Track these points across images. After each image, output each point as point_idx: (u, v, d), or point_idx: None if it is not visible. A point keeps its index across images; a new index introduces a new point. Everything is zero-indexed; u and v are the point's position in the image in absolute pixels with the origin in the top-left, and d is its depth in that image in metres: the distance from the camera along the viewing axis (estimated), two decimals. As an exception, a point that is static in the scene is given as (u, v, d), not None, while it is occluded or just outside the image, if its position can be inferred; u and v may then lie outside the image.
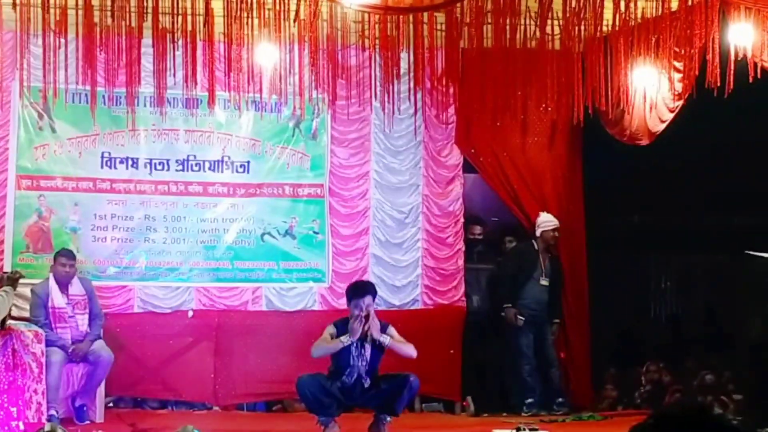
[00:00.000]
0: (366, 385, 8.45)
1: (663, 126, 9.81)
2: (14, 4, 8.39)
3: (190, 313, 10.63)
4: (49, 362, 8.87)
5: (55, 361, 9.04)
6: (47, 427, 8.19)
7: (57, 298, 9.42)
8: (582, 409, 10.73)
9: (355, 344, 8.36)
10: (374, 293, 8.64)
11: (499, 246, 11.34)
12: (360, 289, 8.63)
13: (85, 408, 9.41)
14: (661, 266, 12.20)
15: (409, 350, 8.44)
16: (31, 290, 9.54)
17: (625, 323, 11.47)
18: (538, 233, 10.88)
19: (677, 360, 10.99)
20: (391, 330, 8.53)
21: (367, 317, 8.33)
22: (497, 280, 11.05)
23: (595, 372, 11.11)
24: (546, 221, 10.87)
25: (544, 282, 10.82)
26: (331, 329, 8.48)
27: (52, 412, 8.86)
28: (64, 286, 9.48)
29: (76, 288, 9.55)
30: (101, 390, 9.69)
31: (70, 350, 9.33)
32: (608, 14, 8.98)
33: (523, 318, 10.68)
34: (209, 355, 10.68)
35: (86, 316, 9.53)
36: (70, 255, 9.62)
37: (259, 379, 10.63)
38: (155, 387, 10.60)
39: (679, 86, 9.32)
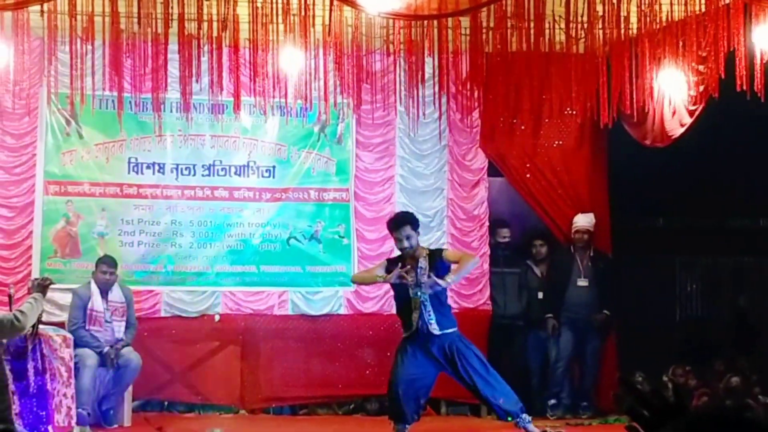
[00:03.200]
0: (435, 332, 8.43)
1: (683, 128, 9.79)
2: (42, 11, 8.47)
3: (217, 317, 10.68)
4: (82, 365, 8.98)
5: (89, 365, 9.18)
6: (76, 430, 8.27)
7: (97, 302, 9.61)
8: (608, 412, 10.72)
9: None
10: (413, 222, 8.64)
11: (528, 249, 11.34)
12: (395, 221, 8.72)
13: (111, 411, 9.50)
14: (687, 269, 12.16)
15: (471, 266, 8.71)
16: (73, 292, 9.72)
17: (651, 326, 11.43)
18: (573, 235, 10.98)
19: (703, 363, 10.95)
20: (447, 253, 8.67)
21: (405, 274, 8.36)
22: (539, 288, 11.07)
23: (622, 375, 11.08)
24: (575, 222, 10.93)
25: (583, 283, 10.84)
26: (380, 269, 8.63)
27: (82, 411, 8.95)
28: (104, 292, 9.66)
29: (116, 295, 9.73)
30: (128, 393, 9.77)
31: (105, 349, 9.45)
32: (632, 17, 8.98)
33: (561, 330, 10.80)
34: (236, 359, 10.74)
35: (123, 324, 9.69)
36: (111, 263, 9.79)
37: (286, 382, 10.67)
38: (182, 390, 10.67)
39: (703, 89, 9.31)
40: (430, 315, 8.46)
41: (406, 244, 8.49)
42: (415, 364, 8.47)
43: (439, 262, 8.54)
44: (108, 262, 9.77)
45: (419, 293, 8.44)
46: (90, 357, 9.23)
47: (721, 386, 10.40)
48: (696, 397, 10.30)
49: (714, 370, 10.83)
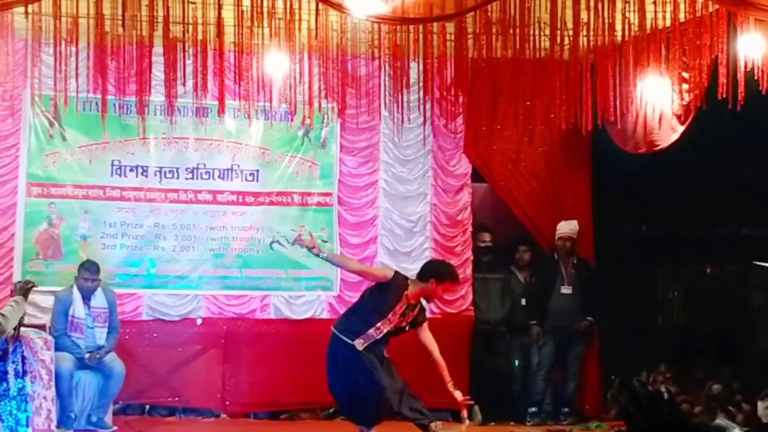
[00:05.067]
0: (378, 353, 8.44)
1: (674, 136, 9.81)
2: (26, 13, 8.43)
3: (199, 321, 10.67)
4: (57, 369, 8.92)
5: (65, 368, 9.12)
6: (57, 434, 8.24)
7: (78, 309, 9.55)
8: (590, 418, 10.75)
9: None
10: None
11: (512, 255, 11.35)
12: (458, 277, 8.92)
13: (100, 422, 9.54)
14: (670, 276, 12.19)
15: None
16: (55, 297, 9.68)
17: (633, 333, 11.46)
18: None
19: (685, 370, 10.98)
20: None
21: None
22: (522, 294, 11.08)
23: (603, 382, 11.10)
24: (558, 229, 10.95)
25: (566, 290, 10.86)
26: (388, 272, 8.66)
27: (70, 414, 9.09)
28: (86, 297, 9.61)
29: (98, 300, 9.67)
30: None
31: (86, 355, 9.41)
32: (617, 24, 9.00)
33: (544, 338, 10.81)
34: (218, 363, 10.72)
35: (105, 329, 9.64)
36: (93, 269, 9.71)
37: (268, 386, 10.66)
38: (163, 394, 10.63)
39: (687, 97, 9.33)
40: (383, 345, 8.52)
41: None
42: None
43: (422, 317, 8.71)
44: (90, 269, 9.69)
45: (391, 328, 8.47)
46: (64, 359, 9.19)
47: (702, 394, 10.42)
48: (677, 404, 10.30)
49: (695, 377, 10.86)
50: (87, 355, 9.42)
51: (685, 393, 10.49)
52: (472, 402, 8.97)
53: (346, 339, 8.40)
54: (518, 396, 11.05)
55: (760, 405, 7.71)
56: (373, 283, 8.67)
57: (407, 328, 8.59)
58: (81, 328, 9.50)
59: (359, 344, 8.36)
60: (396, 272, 8.73)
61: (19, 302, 7.20)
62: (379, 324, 8.39)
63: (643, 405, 2.86)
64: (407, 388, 8.56)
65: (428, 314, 10.70)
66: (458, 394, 8.55)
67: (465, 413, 8.75)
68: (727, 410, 9.66)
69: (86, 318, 9.55)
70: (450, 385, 8.53)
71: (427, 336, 8.69)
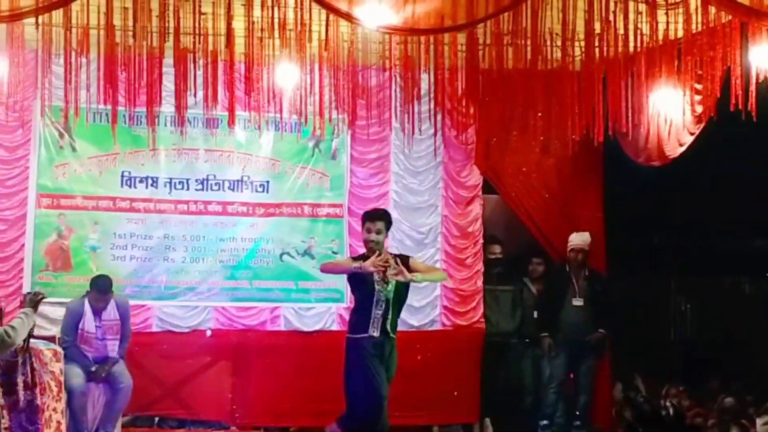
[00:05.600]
0: (390, 335, 8.34)
1: (682, 148, 9.77)
2: (36, 24, 8.42)
3: (209, 333, 10.64)
4: (69, 386, 8.86)
5: (77, 384, 9.08)
6: (65, 445, 8.21)
7: (89, 322, 9.40)
8: (602, 431, 10.69)
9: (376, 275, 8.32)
10: (389, 222, 8.61)
11: (523, 267, 11.31)
12: (373, 212, 8.68)
13: None
14: (681, 288, 12.14)
15: (439, 278, 8.49)
16: (67, 308, 9.56)
17: (646, 346, 11.40)
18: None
19: (697, 383, 10.92)
20: (414, 262, 8.59)
21: (385, 265, 8.28)
22: (534, 306, 11.03)
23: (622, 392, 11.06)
24: (570, 241, 10.89)
25: (578, 302, 10.79)
26: (348, 260, 8.51)
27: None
28: (99, 310, 9.45)
29: (110, 313, 9.50)
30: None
31: (92, 368, 9.33)
32: (630, 35, 8.95)
33: (555, 350, 10.73)
34: (227, 375, 10.69)
35: (117, 342, 9.49)
36: (103, 289, 9.44)
37: (277, 398, 10.62)
38: (173, 406, 10.60)
39: (699, 108, 9.28)
40: (389, 315, 8.36)
41: (374, 237, 8.42)
42: (381, 370, 8.38)
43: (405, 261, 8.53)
44: (101, 289, 9.45)
45: (385, 290, 8.35)
46: (75, 377, 9.09)
47: (715, 406, 10.36)
48: (690, 417, 10.26)
49: (708, 389, 10.80)
50: (94, 368, 9.35)
51: (698, 406, 10.43)
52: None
53: (359, 335, 8.35)
54: (530, 409, 10.99)
55: (759, 422, 7.65)
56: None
57: (399, 279, 8.34)
58: (90, 342, 9.39)
59: (374, 331, 8.32)
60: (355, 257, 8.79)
61: (28, 314, 7.19)
62: (374, 298, 8.33)
63: (648, 421, 2.81)
64: None
65: (439, 326, 10.74)
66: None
67: None
68: (740, 424, 9.60)
69: (96, 331, 9.44)
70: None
71: (417, 266, 8.60)
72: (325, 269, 8.92)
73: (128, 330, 9.68)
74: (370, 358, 8.29)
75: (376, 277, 8.32)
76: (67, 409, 8.64)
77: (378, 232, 8.43)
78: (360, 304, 8.46)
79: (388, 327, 8.33)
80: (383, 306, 8.33)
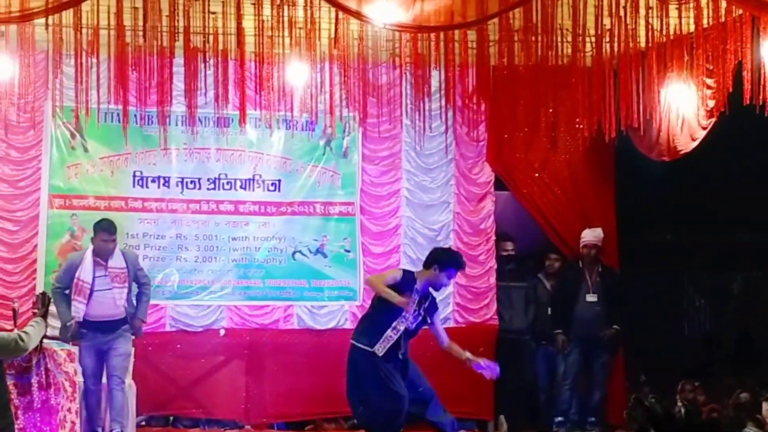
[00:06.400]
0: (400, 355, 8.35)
1: (695, 143, 9.74)
2: (47, 25, 8.44)
3: (222, 332, 10.65)
4: (84, 387, 8.83)
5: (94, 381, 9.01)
6: (80, 445, 8.22)
7: (85, 272, 9.07)
8: (616, 428, 10.66)
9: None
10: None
11: (535, 263, 11.29)
12: (463, 264, 8.63)
13: None
14: (695, 284, 12.11)
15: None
16: (67, 257, 9.50)
17: (659, 342, 11.38)
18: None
19: (712, 379, 10.88)
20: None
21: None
22: (548, 302, 11.00)
23: (630, 391, 11.03)
24: (583, 237, 10.87)
25: (592, 298, 10.76)
26: (396, 274, 8.42)
27: (97, 429, 8.93)
28: (103, 259, 9.13)
29: (116, 261, 9.17)
30: (132, 408, 9.66)
31: (69, 323, 9.01)
32: (640, 30, 8.93)
33: (569, 347, 10.71)
34: (241, 374, 10.70)
35: (125, 292, 9.12)
36: (110, 229, 9.16)
37: (291, 397, 10.62)
38: (187, 405, 10.62)
39: (711, 103, 9.26)
40: (403, 343, 8.41)
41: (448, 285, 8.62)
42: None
43: (433, 309, 8.59)
44: (107, 229, 9.15)
45: (410, 325, 8.39)
46: (89, 377, 9.01)
47: (730, 402, 10.33)
48: (705, 413, 10.23)
49: (723, 385, 10.77)
50: (71, 322, 8.99)
51: (714, 401, 10.40)
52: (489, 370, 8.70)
53: (365, 347, 8.34)
54: (544, 405, 10.97)
55: (765, 406, 7.60)
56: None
57: (427, 321, 8.47)
58: (83, 292, 9.06)
59: (379, 350, 8.31)
60: (404, 270, 8.72)
61: (39, 323, 7.24)
62: (394, 323, 8.32)
63: (659, 422, 2.80)
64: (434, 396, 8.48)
65: (452, 324, 10.72)
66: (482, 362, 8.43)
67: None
68: (755, 419, 9.56)
69: (94, 282, 9.07)
70: (468, 357, 8.42)
71: (438, 328, 8.63)
72: (372, 285, 8.60)
73: (144, 276, 9.34)
74: (381, 367, 8.32)
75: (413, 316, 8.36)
76: (80, 407, 8.62)
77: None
78: (376, 321, 8.44)
79: (400, 353, 8.37)
80: (400, 335, 8.35)
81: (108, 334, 9.08)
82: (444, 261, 8.48)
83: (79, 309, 9.04)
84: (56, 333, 9.24)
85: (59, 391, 8.37)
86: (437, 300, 8.76)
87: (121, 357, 9.12)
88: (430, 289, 8.51)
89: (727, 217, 11.11)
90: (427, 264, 8.53)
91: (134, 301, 9.26)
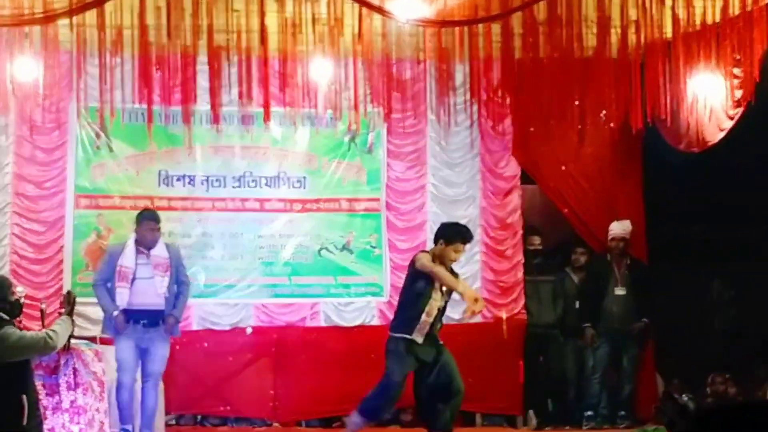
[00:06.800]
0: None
1: (722, 134, 9.66)
2: (71, 25, 8.46)
3: (249, 330, 10.64)
4: (120, 378, 8.80)
5: (128, 379, 8.90)
6: (108, 445, 8.24)
7: (127, 259, 8.90)
8: (646, 421, 10.59)
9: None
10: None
11: (563, 257, 11.24)
12: (470, 235, 8.54)
13: None
14: (724, 275, 12.00)
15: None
16: (108, 247, 9.44)
17: (689, 334, 11.29)
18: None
19: (742, 371, 10.79)
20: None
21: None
22: (576, 296, 10.95)
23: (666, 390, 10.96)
24: (611, 230, 10.81)
25: (620, 291, 10.72)
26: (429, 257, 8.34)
27: (128, 428, 8.83)
28: (146, 248, 8.97)
29: (160, 249, 9.03)
30: (161, 408, 9.66)
31: (113, 314, 8.86)
32: (667, 21, 8.87)
33: (598, 340, 10.66)
34: (268, 372, 10.69)
35: (166, 280, 8.95)
36: (156, 218, 9.06)
37: (319, 394, 10.60)
38: (215, 404, 10.62)
39: (738, 93, 9.18)
40: (439, 322, 8.40)
41: (460, 259, 8.52)
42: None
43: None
44: (153, 218, 9.03)
45: (445, 301, 8.40)
46: (124, 372, 8.98)
47: (760, 394, 10.25)
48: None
49: (754, 377, 10.68)
50: (116, 313, 8.83)
51: (745, 394, 10.32)
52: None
53: (404, 335, 8.32)
54: (573, 400, 10.92)
55: None
56: (408, 278, 8.54)
57: (450, 296, 8.46)
58: (126, 277, 8.87)
59: (418, 337, 8.29)
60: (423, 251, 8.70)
61: (65, 320, 7.26)
62: (427, 308, 8.30)
63: (688, 416, 2.76)
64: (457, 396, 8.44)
65: (480, 319, 10.68)
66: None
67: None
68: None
69: (137, 268, 8.91)
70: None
71: None
72: (426, 269, 8.35)
73: (184, 275, 9.19)
74: (406, 356, 8.31)
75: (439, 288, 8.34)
76: (108, 406, 8.62)
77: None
78: (411, 302, 8.40)
79: (435, 332, 8.37)
80: (437, 313, 8.36)
81: (148, 328, 8.88)
82: (449, 234, 8.41)
83: (122, 295, 8.85)
84: (84, 333, 9.27)
85: (87, 391, 8.38)
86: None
87: (159, 361, 9.00)
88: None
89: (757, 209, 10.99)
90: (435, 240, 8.51)
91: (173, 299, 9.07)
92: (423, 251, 8.46)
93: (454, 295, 8.54)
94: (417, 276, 8.33)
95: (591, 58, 9.22)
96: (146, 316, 8.89)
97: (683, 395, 9.58)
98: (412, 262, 8.42)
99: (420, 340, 8.30)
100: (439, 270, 8.21)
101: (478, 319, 10.71)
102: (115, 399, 8.90)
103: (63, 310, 7.37)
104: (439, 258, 8.35)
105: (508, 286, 10.92)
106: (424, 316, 8.30)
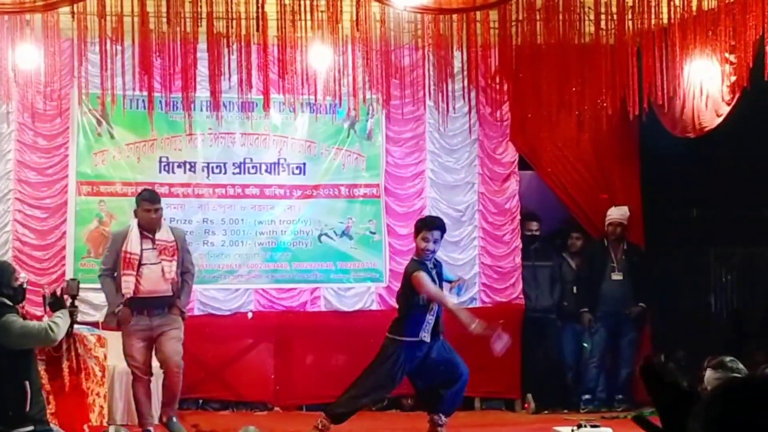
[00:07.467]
0: (426, 340, 8.49)
1: (719, 119, 9.70)
2: (72, 13, 8.51)
3: (250, 315, 10.72)
4: (133, 378, 8.72)
5: (141, 377, 8.72)
6: (111, 429, 8.30)
7: (132, 244, 8.63)
8: (644, 404, 10.66)
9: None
10: (444, 231, 8.72)
11: (560, 242, 11.30)
12: (431, 221, 8.77)
13: (174, 419, 8.85)
14: (722, 259, 12.04)
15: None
16: (112, 234, 9.32)
17: (686, 318, 11.35)
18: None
19: (739, 354, 10.83)
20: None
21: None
22: (574, 281, 11.02)
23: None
24: (609, 215, 10.89)
25: (617, 276, 10.81)
26: (424, 276, 8.41)
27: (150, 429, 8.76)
28: (150, 232, 8.71)
29: (164, 233, 8.76)
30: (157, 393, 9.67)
31: (118, 307, 8.64)
32: (663, 7, 8.91)
33: (596, 325, 10.74)
34: (269, 356, 10.78)
35: (174, 264, 8.69)
36: (152, 198, 8.81)
37: (319, 379, 10.68)
38: (216, 388, 10.71)
39: (733, 79, 9.22)
40: (434, 320, 8.55)
41: (432, 247, 8.52)
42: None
43: (439, 267, 8.78)
44: (149, 198, 8.77)
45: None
46: (136, 369, 8.71)
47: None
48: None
49: (752, 360, 10.73)
50: (117, 310, 8.62)
51: (740, 377, 10.37)
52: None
53: (410, 339, 8.48)
54: (571, 384, 11.00)
55: (710, 373, 7.44)
56: (407, 289, 8.64)
57: (442, 284, 8.73)
58: (133, 265, 8.61)
59: (425, 336, 8.46)
60: (412, 260, 8.78)
61: (64, 314, 7.37)
62: (429, 312, 8.48)
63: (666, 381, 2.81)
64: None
65: (478, 304, 10.76)
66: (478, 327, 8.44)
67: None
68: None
69: (143, 254, 8.63)
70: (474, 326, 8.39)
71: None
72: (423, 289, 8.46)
73: (189, 262, 8.96)
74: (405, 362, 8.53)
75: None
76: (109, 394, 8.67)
77: (435, 242, 8.56)
78: (414, 306, 8.52)
79: (439, 328, 8.55)
80: (435, 312, 8.52)
81: (156, 317, 8.65)
82: (417, 227, 8.72)
83: (129, 284, 8.58)
84: (87, 318, 9.32)
85: (89, 376, 8.47)
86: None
87: (174, 340, 8.70)
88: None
89: (754, 193, 11.03)
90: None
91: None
92: (415, 269, 8.53)
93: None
94: (415, 290, 8.49)
95: (588, 45, 9.26)
96: (154, 303, 8.69)
97: (680, 353, 9.63)
98: (407, 277, 8.55)
99: (428, 339, 8.48)
100: (436, 292, 8.45)
101: (476, 304, 10.83)
102: (132, 396, 8.91)
103: (64, 297, 7.47)
104: (417, 251, 8.59)
105: (505, 271, 11.00)
106: (428, 316, 8.49)
